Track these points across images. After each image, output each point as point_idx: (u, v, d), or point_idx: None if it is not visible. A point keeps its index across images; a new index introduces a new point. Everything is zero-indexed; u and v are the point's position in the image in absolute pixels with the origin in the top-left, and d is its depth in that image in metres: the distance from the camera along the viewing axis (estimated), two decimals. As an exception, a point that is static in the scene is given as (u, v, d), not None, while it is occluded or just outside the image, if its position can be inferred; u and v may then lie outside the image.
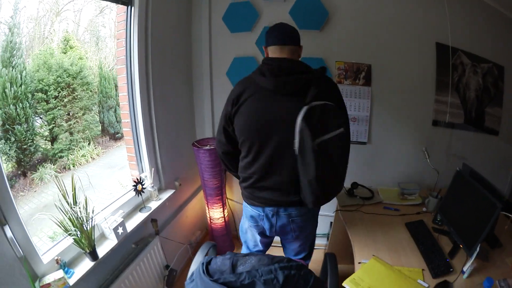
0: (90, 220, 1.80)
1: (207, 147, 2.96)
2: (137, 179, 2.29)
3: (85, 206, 1.78)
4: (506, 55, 2.96)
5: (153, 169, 2.53)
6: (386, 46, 2.99)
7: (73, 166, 5.13)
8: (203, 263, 1.24)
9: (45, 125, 5.15)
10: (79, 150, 5.36)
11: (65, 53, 5.62)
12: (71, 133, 5.45)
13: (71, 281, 1.68)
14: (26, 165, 4.50)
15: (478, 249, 1.81)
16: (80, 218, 1.74)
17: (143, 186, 2.32)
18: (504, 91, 3.07)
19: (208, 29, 3.08)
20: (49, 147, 5.09)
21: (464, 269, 1.87)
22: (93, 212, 1.83)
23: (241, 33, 3.05)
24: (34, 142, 4.69)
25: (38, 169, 4.60)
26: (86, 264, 1.82)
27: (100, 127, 5.84)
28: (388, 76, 3.06)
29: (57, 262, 1.71)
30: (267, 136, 1.76)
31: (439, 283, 1.80)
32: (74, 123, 5.46)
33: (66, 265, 1.75)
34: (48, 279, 1.59)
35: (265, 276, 1.12)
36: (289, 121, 1.68)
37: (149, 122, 2.51)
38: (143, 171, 2.57)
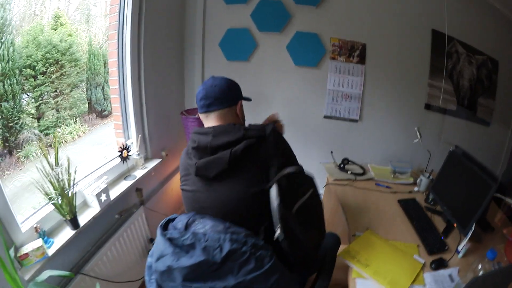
0: (72, 183, 1.74)
1: (196, 116, 2.90)
2: (123, 144, 2.25)
3: (67, 168, 1.72)
4: (501, 50, 3.03)
5: (139, 136, 2.50)
6: (383, 27, 3.01)
7: (59, 144, 5.08)
8: (168, 219, 1.26)
9: (32, 102, 5.09)
10: (65, 128, 5.31)
11: (55, 29, 5.56)
12: (57, 111, 5.39)
13: (50, 251, 1.62)
14: (11, 143, 4.43)
15: (473, 228, 1.80)
16: (61, 180, 1.68)
17: (129, 153, 2.28)
18: (497, 85, 3.14)
19: (203, 0, 3.07)
20: (35, 124, 5.03)
21: (459, 248, 1.86)
22: (75, 173, 1.77)
23: (236, 5, 3.04)
24: (21, 119, 4.63)
25: (24, 147, 4.55)
26: (67, 233, 1.76)
27: (87, 105, 5.80)
28: (382, 56, 3.10)
29: (36, 231, 1.65)
30: None
31: (435, 260, 1.80)
32: (61, 100, 5.40)
33: (45, 234, 1.69)
34: (26, 248, 1.54)
35: (210, 242, 1.10)
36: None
37: (137, 88, 2.50)
38: (129, 138, 2.54)
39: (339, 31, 3.06)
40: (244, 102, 1.68)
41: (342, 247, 1.96)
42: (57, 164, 1.67)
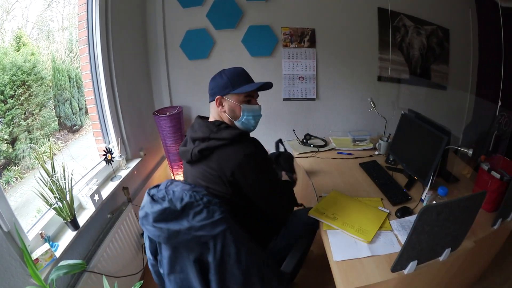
0: (70, 185, 1.86)
1: (167, 114, 3.12)
2: (106, 148, 2.38)
3: (63, 173, 1.84)
4: (451, 19, 3.23)
5: (119, 139, 2.63)
6: (330, 11, 3.20)
7: (39, 163, 5.01)
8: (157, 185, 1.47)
9: (5, 128, 5.00)
10: (40, 147, 5.23)
11: (18, 50, 5.42)
12: (29, 132, 5.30)
13: (57, 254, 1.72)
14: (-10, 172, 4.36)
15: (432, 177, 1.97)
16: (59, 186, 1.79)
17: (112, 156, 2.42)
18: (450, 52, 3.34)
19: (161, 5, 3.18)
20: (10, 149, 4.94)
21: (423, 197, 2.03)
22: (72, 175, 1.90)
23: (192, 8, 3.18)
24: None
25: (3, 173, 4.47)
26: (69, 235, 1.86)
27: (57, 122, 5.71)
28: (332, 38, 3.29)
29: (42, 236, 1.74)
30: None
31: (400, 209, 1.95)
32: (32, 121, 5.32)
33: (50, 239, 1.79)
34: (36, 254, 1.61)
35: (175, 196, 1.33)
36: None
37: (112, 95, 2.61)
38: (110, 142, 2.66)
39: (289, 20, 3.23)
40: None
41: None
42: (53, 170, 1.79)
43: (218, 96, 1.68)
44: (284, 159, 2.15)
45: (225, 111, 1.70)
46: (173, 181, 1.47)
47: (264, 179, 1.65)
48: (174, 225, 1.31)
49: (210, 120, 1.76)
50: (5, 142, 5.12)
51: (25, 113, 5.33)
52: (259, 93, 1.79)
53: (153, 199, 1.37)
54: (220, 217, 1.32)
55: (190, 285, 1.44)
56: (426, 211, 1.29)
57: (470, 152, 1.87)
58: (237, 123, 1.73)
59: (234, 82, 1.67)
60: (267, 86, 1.73)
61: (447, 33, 3.33)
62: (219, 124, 1.65)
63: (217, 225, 1.31)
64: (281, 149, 2.40)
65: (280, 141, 2.43)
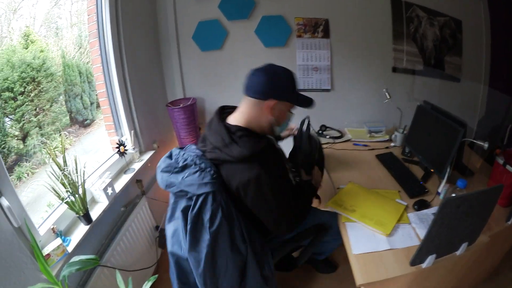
0: (82, 178, 1.84)
1: (181, 106, 3.09)
2: (119, 141, 2.37)
3: (75, 167, 1.82)
4: (463, 10, 3.16)
5: (132, 131, 2.62)
6: (342, 1, 3.15)
7: (50, 159, 5.02)
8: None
9: (16, 124, 5.01)
10: (51, 142, 5.24)
11: (26, 48, 5.44)
12: (40, 127, 5.31)
13: (69, 248, 1.70)
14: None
15: (449, 169, 1.95)
16: (71, 179, 1.78)
17: (125, 148, 2.40)
18: (463, 43, 3.26)
19: None
20: (21, 146, 4.95)
21: (439, 190, 2.01)
22: (84, 167, 1.88)
23: None
24: (7, 143, 4.55)
25: (15, 169, 4.48)
26: (81, 229, 1.84)
27: (69, 117, 5.73)
28: (345, 29, 3.24)
29: (54, 231, 1.72)
30: None
31: (417, 201, 1.94)
32: (43, 117, 5.33)
33: (62, 234, 1.77)
34: (47, 249, 1.60)
35: (182, 156, 1.62)
36: None
37: (124, 88, 2.60)
38: (123, 135, 2.65)
39: (302, 10, 3.18)
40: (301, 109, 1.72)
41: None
42: (65, 164, 1.77)
43: (274, 100, 1.60)
44: (304, 155, 2.06)
45: (274, 116, 1.65)
46: (192, 145, 1.76)
47: (267, 201, 1.61)
48: (173, 177, 1.56)
49: (231, 121, 1.67)
50: (16, 138, 5.14)
51: (35, 109, 5.36)
52: None
53: (170, 157, 1.68)
54: (208, 181, 1.49)
55: (178, 233, 1.62)
56: (447, 204, 1.27)
57: (486, 145, 1.86)
58: (276, 129, 1.74)
59: (294, 88, 1.66)
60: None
61: (459, 25, 3.27)
62: (234, 131, 1.59)
63: (202, 187, 1.48)
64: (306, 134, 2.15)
65: (307, 121, 2.15)
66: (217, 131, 1.61)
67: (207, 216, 1.48)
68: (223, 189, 1.57)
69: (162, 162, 1.64)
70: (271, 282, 1.74)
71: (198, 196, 1.48)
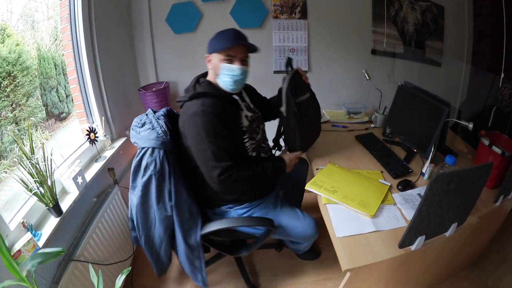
0: (50, 166, 1.76)
1: (153, 90, 3.01)
2: (90, 127, 2.27)
3: (43, 154, 1.73)
4: None
5: (103, 117, 2.51)
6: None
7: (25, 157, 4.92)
8: None
9: None
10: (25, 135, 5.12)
11: (2, 42, 5.29)
12: (16, 123, 5.20)
13: (40, 243, 1.62)
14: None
15: (433, 149, 1.91)
16: (39, 169, 1.69)
17: (96, 135, 2.30)
18: (444, 29, 3.29)
19: None
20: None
21: (423, 170, 1.98)
22: (51, 155, 1.80)
23: None
24: None
25: None
26: (52, 222, 1.76)
27: (45, 111, 5.62)
28: (323, 10, 3.19)
29: (24, 226, 1.64)
30: None
31: (401, 181, 1.90)
32: (19, 112, 5.22)
33: (32, 228, 1.69)
34: (18, 245, 1.51)
35: (147, 117, 1.96)
36: None
37: (95, 73, 2.51)
38: (93, 122, 2.54)
39: None
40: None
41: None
42: (32, 152, 1.68)
43: (206, 54, 1.86)
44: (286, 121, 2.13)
45: (212, 69, 1.86)
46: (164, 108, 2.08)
47: (201, 139, 1.72)
48: (135, 132, 1.87)
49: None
50: (-8, 135, 5.02)
51: (11, 105, 5.22)
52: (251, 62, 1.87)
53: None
54: (152, 138, 1.80)
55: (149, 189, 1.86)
56: (438, 179, 1.23)
57: (471, 125, 1.86)
58: (217, 81, 1.86)
59: (220, 40, 1.78)
60: (252, 48, 1.83)
61: (442, 10, 3.29)
62: (198, 79, 1.92)
63: (146, 142, 1.80)
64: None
65: (289, 61, 2.30)
66: (191, 81, 1.94)
67: (142, 166, 1.81)
68: (169, 151, 1.85)
69: (134, 120, 1.96)
70: (197, 253, 1.97)
71: (142, 148, 1.82)
